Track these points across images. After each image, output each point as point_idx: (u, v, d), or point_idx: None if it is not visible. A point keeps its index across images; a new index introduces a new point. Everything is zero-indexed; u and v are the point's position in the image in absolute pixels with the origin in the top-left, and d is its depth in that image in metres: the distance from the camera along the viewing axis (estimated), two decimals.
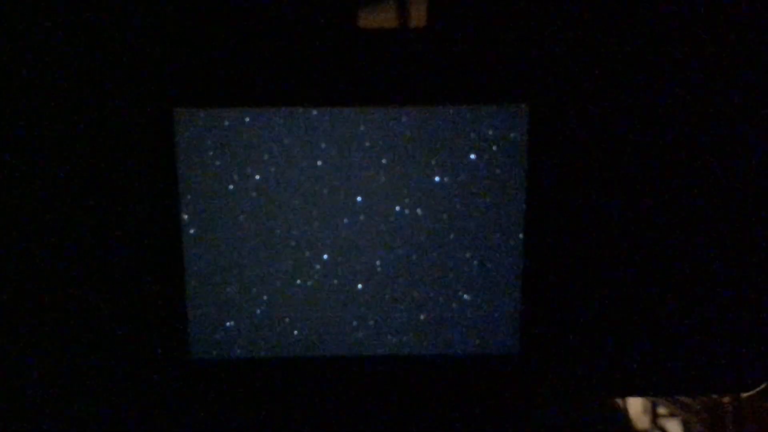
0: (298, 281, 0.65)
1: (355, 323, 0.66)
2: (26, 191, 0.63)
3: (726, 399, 0.73)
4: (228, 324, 0.66)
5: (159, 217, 0.63)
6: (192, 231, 0.63)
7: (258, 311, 0.65)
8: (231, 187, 0.63)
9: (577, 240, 0.64)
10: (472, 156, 0.62)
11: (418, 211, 0.63)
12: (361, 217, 0.63)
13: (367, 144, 0.62)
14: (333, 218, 0.63)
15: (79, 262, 0.64)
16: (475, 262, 0.64)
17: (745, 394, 0.69)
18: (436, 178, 0.63)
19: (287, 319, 0.66)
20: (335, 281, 0.65)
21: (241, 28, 0.61)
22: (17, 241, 0.63)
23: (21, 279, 0.64)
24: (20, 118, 0.61)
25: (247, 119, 0.61)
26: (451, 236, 0.64)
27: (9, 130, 0.61)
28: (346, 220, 0.63)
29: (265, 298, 0.65)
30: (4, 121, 0.61)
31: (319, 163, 0.62)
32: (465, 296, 0.65)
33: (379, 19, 0.61)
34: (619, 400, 0.79)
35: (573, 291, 0.65)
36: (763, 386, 0.67)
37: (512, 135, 0.62)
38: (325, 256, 0.64)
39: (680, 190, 0.63)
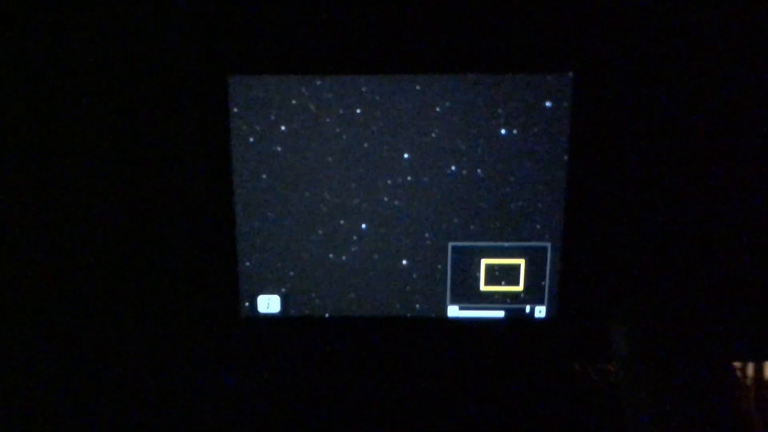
0: (347, 245, 0.68)
1: (398, 284, 0.69)
2: (85, 151, 0.66)
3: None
4: (276, 283, 0.69)
5: (212, 179, 0.67)
6: (243, 192, 0.67)
7: (307, 271, 0.68)
8: (282, 150, 0.66)
9: (617, 210, 0.66)
10: (513, 126, 0.65)
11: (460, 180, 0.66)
12: (408, 178, 0.66)
13: (416, 113, 0.65)
14: (383, 185, 0.66)
15: (134, 224, 0.68)
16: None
17: None
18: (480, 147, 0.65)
19: (336, 280, 0.68)
20: (382, 248, 0.68)
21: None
22: (78, 194, 0.67)
23: (78, 236, 0.68)
24: (83, 83, 0.65)
25: (301, 86, 0.64)
26: (488, 210, 0.66)
27: (75, 96, 0.65)
28: (393, 190, 0.66)
29: (314, 259, 0.68)
30: (73, 88, 0.65)
31: (372, 129, 0.65)
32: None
33: None
34: None
35: (610, 261, 0.67)
36: None
37: (555, 104, 0.64)
38: (376, 232, 0.67)
39: (728, 161, 0.65)
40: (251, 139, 0.66)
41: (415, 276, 0.69)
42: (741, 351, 0.70)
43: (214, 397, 0.71)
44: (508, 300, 0.69)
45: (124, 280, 0.69)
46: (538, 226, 0.67)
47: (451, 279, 0.69)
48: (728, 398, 0.62)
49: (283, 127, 0.65)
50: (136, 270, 0.69)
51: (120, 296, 0.70)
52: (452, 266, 0.68)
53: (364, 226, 0.67)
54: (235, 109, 0.65)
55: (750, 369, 0.74)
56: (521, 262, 0.68)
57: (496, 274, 0.69)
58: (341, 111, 0.65)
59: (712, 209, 0.66)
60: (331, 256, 0.68)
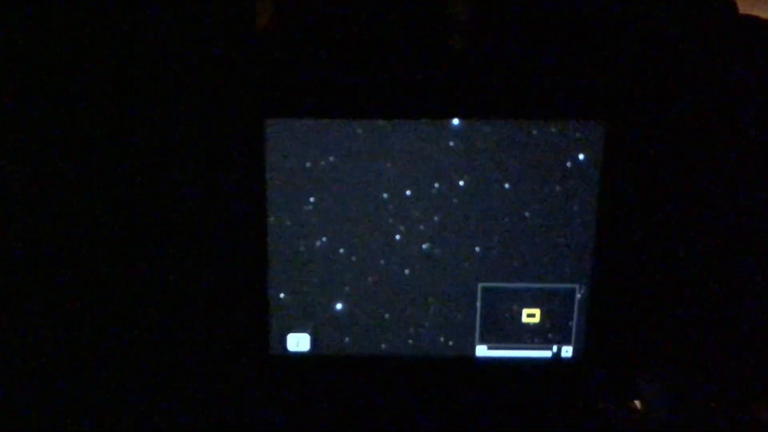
0: (377, 285, 0.68)
1: (427, 324, 0.70)
2: (121, 191, 0.67)
3: None
4: (306, 322, 0.69)
5: (246, 220, 0.67)
6: (276, 234, 0.67)
7: (337, 310, 0.69)
8: (318, 195, 0.66)
9: (646, 253, 0.68)
10: (543, 171, 0.66)
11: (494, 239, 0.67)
12: (440, 221, 0.67)
13: (448, 157, 0.66)
14: (415, 227, 0.67)
15: (168, 261, 0.68)
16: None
17: None
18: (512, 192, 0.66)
19: (365, 320, 0.69)
20: (413, 288, 0.69)
21: (331, 43, 0.65)
22: (115, 233, 0.67)
23: (111, 271, 0.68)
24: (129, 126, 0.65)
25: (336, 130, 0.65)
26: (518, 252, 0.68)
27: (122, 138, 0.65)
28: (425, 232, 0.67)
29: (344, 298, 0.69)
30: (124, 130, 0.65)
31: (406, 173, 0.66)
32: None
33: (463, 39, 0.65)
34: None
35: (637, 304, 0.69)
36: None
37: (587, 152, 0.65)
38: (407, 271, 0.68)
39: (760, 215, 0.66)
40: (286, 181, 0.66)
41: (444, 316, 0.70)
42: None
43: None
44: (536, 340, 0.70)
45: (153, 316, 0.70)
46: (566, 268, 0.68)
47: (480, 319, 0.70)
48: None
49: (317, 169, 0.66)
50: (166, 307, 0.70)
51: (148, 332, 0.70)
52: (481, 307, 0.69)
53: (394, 267, 0.68)
54: (271, 151, 0.66)
55: None
56: (549, 303, 0.69)
57: (524, 315, 0.70)
58: (375, 155, 0.66)
59: (744, 256, 0.68)
60: (360, 295, 0.69)
